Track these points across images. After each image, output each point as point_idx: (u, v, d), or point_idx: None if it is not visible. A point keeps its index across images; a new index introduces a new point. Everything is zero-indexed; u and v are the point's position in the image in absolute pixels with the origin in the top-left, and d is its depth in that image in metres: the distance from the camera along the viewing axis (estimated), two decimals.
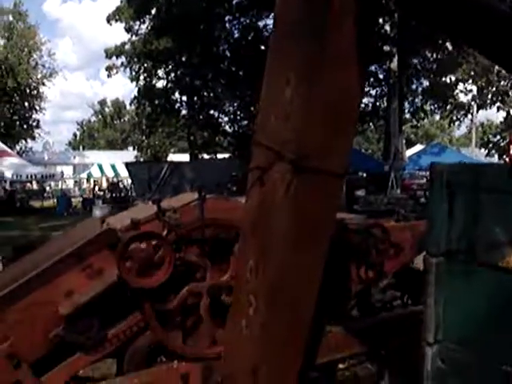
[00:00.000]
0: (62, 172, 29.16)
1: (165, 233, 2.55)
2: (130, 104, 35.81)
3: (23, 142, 41.79)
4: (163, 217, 2.58)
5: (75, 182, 38.14)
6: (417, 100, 29.55)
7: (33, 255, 3.06)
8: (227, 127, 31.63)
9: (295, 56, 2.02)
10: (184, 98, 30.48)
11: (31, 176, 25.75)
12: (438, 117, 44.33)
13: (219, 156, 31.76)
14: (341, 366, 4.60)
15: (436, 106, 29.96)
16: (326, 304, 3.40)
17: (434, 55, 26.53)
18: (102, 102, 73.46)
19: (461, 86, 29.70)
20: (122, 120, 69.15)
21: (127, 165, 22.85)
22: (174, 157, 42.30)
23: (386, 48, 23.31)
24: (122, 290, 2.55)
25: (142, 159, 39.75)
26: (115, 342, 2.57)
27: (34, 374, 2.40)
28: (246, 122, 30.55)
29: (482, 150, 33.05)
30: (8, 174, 24.09)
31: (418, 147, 37.38)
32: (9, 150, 27.51)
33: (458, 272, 2.10)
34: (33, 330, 2.39)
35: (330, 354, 3.30)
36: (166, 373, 2.64)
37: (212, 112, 31.16)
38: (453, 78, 28.18)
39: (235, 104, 30.92)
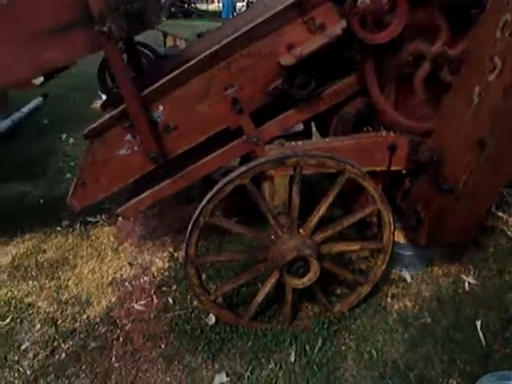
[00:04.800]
0: None
1: None
2: None
3: None
4: None
5: None
6: None
7: (246, 14, 3.01)
8: None
9: None
10: None
11: None
12: None
13: None
14: None
15: None
16: None
17: None
18: None
19: None
20: None
21: None
22: None
23: None
24: (342, 47, 2.43)
25: None
26: (328, 101, 2.55)
27: (253, 123, 2.52)
28: None
29: None
30: None
31: None
32: None
33: None
34: (254, 80, 2.44)
35: None
36: (374, 140, 2.61)
37: None
38: None
39: None
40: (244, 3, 28.04)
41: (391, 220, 2.40)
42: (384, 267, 2.58)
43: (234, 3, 26.21)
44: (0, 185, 4.42)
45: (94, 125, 2.44)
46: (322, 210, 2.31)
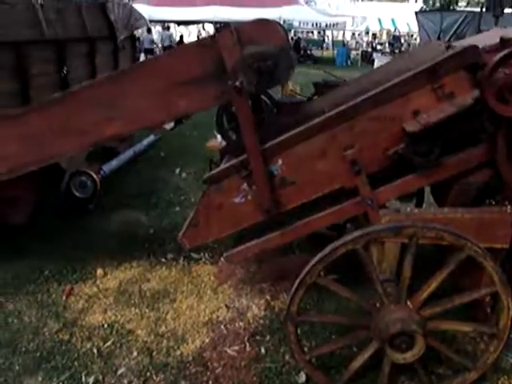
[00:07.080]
0: (345, 22, 28.97)
1: None
2: None
3: None
4: None
5: (352, 34, 37.71)
6: None
7: (371, 75, 3.04)
8: None
9: None
10: None
11: (315, 24, 26.31)
12: None
13: None
14: None
15: None
16: None
17: None
18: None
19: None
20: None
21: (416, 13, 21.01)
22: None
23: None
24: (471, 116, 2.34)
25: None
26: (451, 170, 2.45)
27: (369, 184, 2.48)
28: None
29: None
30: (295, 23, 24.87)
31: None
32: None
33: None
34: (375, 143, 2.42)
35: None
36: (498, 216, 2.44)
37: None
38: None
39: None
40: (359, 51, 28.39)
41: (510, 305, 2.22)
42: (496, 355, 2.37)
43: (349, 52, 26.61)
44: (118, 211, 4.76)
45: (214, 171, 2.56)
46: (433, 285, 2.19)
